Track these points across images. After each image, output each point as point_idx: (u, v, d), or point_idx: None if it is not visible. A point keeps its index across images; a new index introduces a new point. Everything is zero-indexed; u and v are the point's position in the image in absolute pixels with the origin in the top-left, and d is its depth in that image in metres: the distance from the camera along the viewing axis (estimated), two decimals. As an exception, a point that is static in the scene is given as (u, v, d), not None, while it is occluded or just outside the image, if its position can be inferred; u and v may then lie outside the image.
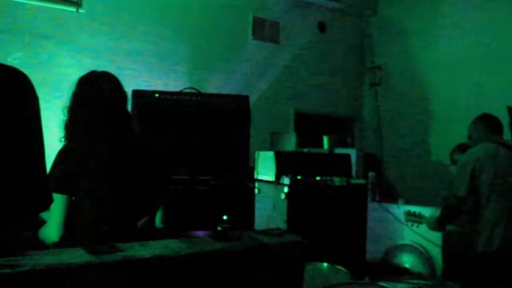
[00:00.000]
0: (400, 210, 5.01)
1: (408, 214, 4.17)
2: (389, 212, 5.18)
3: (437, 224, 3.64)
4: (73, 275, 0.89)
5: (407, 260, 5.10)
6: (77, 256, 0.93)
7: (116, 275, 0.94)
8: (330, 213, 4.60)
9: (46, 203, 1.32)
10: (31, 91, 1.28)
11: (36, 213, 1.40)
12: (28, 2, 4.67)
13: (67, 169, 2.24)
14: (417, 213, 4.12)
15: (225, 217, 4.56)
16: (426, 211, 4.21)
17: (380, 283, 2.66)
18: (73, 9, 4.83)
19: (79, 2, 4.85)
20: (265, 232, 1.24)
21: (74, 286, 0.89)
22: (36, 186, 1.26)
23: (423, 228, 4.12)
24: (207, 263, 1.06)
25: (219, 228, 1.17)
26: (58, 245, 2.03)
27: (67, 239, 2.08)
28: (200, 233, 4.56)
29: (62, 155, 2.33)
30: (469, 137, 3.70)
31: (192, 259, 1.03)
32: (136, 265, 0.95)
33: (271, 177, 4.59)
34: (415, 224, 4.17)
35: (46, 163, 1.33)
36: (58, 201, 2.13)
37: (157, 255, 0.98)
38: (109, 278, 0.93)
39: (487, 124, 3.60)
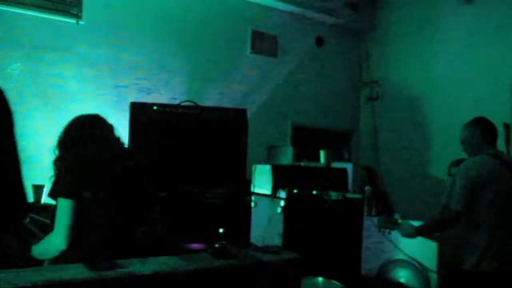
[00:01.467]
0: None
1: (383, 221, 3.97)
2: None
3: (416, 232, 3.52)
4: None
5: (402, 275, 5.09)
6: (79, 272, 0.94)
7: (114, 292, 0.95)
8: (326, 227, 4.60)
9: (23, 211, 1.37)
10: (6, 106, 1.32)
11: (14, 220, 1.43)
12: (28, 13, 4.70)
13: (74, 176, 2.28)
14: (392, 219, 3.95)
15: (221, 230, 4.56)
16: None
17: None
18: (73, 20, 4.85)
19: (79, 14, 4.88)
20: (262, 249, 1.25)
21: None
22: (12, 195, 1.31)
23: (418, 242, 4.06)
24: (205, 280, 1.07)
25: (217, 245, 1.19)
26: (66, 254, 2.03)
27: (74, 249, 2.09)
28: (196, 245, 4.56)
29: (70, 163, 2.38)
30: (463, 142, 3.48)
31: (190, 276, 1.05)
32: (136, 282, 0.97)
33: (267, 191, 4.59)
34: (387, 231, 4.03)
35: (21, 174, 1.36)
36: (65, 206, 2.16)
37: (157, 272, 1.00)
38: (108, 294, 0.94)
39: (486, 131, 3.41)
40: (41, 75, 4.75)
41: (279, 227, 4.48)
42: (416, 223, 4.13)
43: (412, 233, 3.53)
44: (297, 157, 5.91)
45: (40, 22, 4.76)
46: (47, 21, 4.79)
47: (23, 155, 4.22)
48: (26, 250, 2.41)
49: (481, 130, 3.39)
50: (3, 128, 1.29)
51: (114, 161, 2.46)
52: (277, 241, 4.43)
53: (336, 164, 5.32)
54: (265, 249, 1.25)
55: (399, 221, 3.78)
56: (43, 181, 3.78)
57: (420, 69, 6.58)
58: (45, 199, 4.13)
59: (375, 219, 5.26)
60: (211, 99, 5.58)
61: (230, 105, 5.60)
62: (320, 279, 3.30)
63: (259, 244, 4.64)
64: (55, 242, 2.08)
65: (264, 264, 1.16)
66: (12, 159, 1.32)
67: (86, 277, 0.94)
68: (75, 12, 4.80)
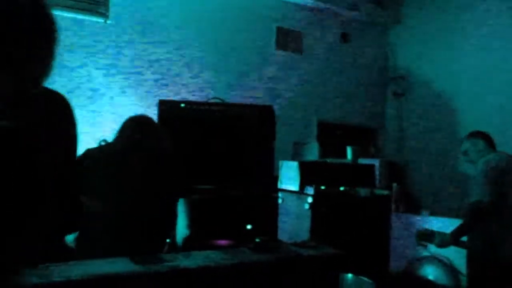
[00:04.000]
0: (424, 221, 4.97)
1: (420, 235, 3.96)
2: (411, 224, 5.14)
3: (451, 237, 3.55)
4: (121, 284, 0.91)
5: (430, 272, 5.05)
6: (125, 266, 0.96)
7: (162, 285, 0.96)
8: (354, 223, 4.58)
9: (78, 219, 1.41)
10: (72, 117, 1.35)
11: (70, 228, 1.46)
12: (56, 13, 4.75)
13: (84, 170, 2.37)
14: (428, 231, 3.94)
15: (249, 227, 4.58)
16: (450, 223, 4.14)
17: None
18: (101, 19, 4.91)
19: (107, 13, 4.93)
20: (300, 244, 1.26)
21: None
22: (69, 202, 1.34)
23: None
24: (247, 274, 1.08)
25: (257, 240, 1.19)
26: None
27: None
28: (223, 242, 4.59)
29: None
30: (466, 152, 3.75)
31: (233, 270, 1.05)
32: (180, 275, 0.98)
33: (295, 187, 4.59)
34: (426, 244, 4.06)
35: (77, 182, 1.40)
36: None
37: (201, 266, 1.01)
38: (155, 287, 0.96)
39: (486, 139, 3.70)
40: (68, 74, 4.82)
41: (306, 223, 4.48)
42: (448, 222, 4.10)
43: (448, 241, 3.56)
44: (323, 153, 5.89)
45: (68, 21, 4.82)
46: (74, 20, 4.86)
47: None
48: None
49: (482, 139, 3.71)
50: (69, 137, 1.33)
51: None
52: (304, 237, 4.43)
53: (362, 161, 5.30)
54: (303, 244, 1.25)
55: (435, 231, 3.78)
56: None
57: (447, 63, 6.49)
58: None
59: (403, 216, 5.24)
60: (237, 95, 5.59)
61: (256, 101, 5.60)
62: (350, 275, 3.28)
63: (286, 240, 4.64)
64: None
65: (304, 259, 1.16)
66: (72, 168, 1.36)
67: (133, 270, 0.95)
68: (103, 11, 4.85)
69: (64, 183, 1.31)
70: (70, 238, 2.24)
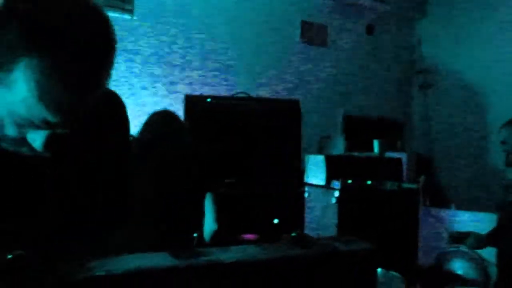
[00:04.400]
0: (451, 215, 4.91)
1: (452, 236, 3.86)
2: (439, 218, 5.08)
3: (490, 239, 3.47)
4: (162, 278, 0.92)
5: (459, 266, 4.98)
6: (164, 260, 0.96)
7: (200, 279, 0.97)
8: (382, 217, 4.55)
9: (125, 218, 1.46)
10: (126, 115, 1.36)
11: (118, 226, 1.49)
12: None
13: None
14: (462, 233, 3.85)
15: (275, 221, 4.58)
16: (478, 217, 4.08)
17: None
18: (127, 16, 4.94)
19: (132, 9, 4.96)
20: (336, 238, 1.25)
21: (162, 289, 0.92)
22: (118, 198, 1.39)
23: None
24: (284, 268, 1.07)
25: (293, 234, 1.19)
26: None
27: None
28: (249, 236, 4.60)
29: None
30: (504, 142, 3.52)
31: (269, 264, 1.05)
32: (218, 270, 0.98)
33: (321, 181, 4.57)
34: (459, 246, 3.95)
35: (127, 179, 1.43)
36: None
37: (239, 260, 1.01)
38: (194, 282, 0.96)
39: None
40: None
41: (333, 217, 4.46)
42: (476, 216, 4.04)
43: (483, 243, 3.48)
44: (348, 147, 5.86)
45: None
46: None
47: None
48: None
49: None
50: (121, 134, 1.34)
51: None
52: (331, 231, 4.41)
53: (389, 154, 5.25)
54: (339, 239, 1.24)
55: (470, 232, 3.69)
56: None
57: (476, 55, 6.38)
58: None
59: (430, 209, 5.18)
60: (262, 90, 5.59)
61: (281, 95, 5.59)
62: (379, 270, 3.26)
63: (313, 235, 4.63)
64: None
65: (341, 253, 1.15)
66: (124, 165, 1.38)
67: (172, 264, 0.96)
68: (129, 8, 4.89)
69: (116, 181, 1.35)
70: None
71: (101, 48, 0.96)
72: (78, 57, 0.90)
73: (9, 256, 0.87)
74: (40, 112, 0.91)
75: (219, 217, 2.75)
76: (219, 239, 2.78)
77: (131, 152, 2.67)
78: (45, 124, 0.95)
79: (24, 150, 1.01)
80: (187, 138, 2.75)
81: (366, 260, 1.24)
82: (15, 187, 1.12)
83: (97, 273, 0.88)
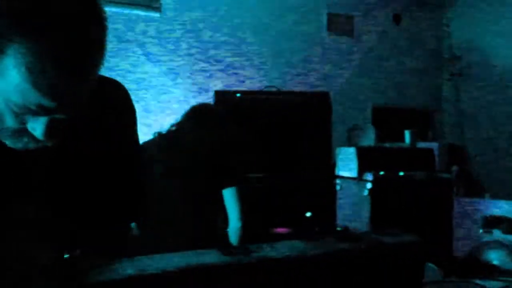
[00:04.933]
0: (486, 204, 4.82)
1: (485, 222, 3.76)
2: (474, 208, 5.00)
3: None
4: (214, 275, 0.93)
5: (495, 257, 4.89)
6: (215, 257, 0.97)
7: (251, 276, 0.97)
8: (415, 208, 4.50)
9: (144, 205, 1.44)
10: (132, 104, 1.35)
11: (138, 213, 1.50)
12: (110, 9, 4.86)
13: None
14: (496, 216, 3.76)
15: (308, 214, 4.57)
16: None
17: (474, 281, 2.58)
18: (154, 13, 4.98)
19: (160, 7, 4.99)
20: (381, 231, 1.24)
21: (214, 286, 0.92)
22: (134, 189, 1.37)
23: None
24: (333, 263, 1.07)
25: (339, 229, 1.18)
26: None
27: None
28: (282, 230, 4.60)
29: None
30: None
31: (319, 260, 1.05)
32: (269, 266, 0.98)
33: (352, 174, 4.54)
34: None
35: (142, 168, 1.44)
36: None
37: (288, 256, 1.00)
38: (244, 278, 0.96)
39: None
40: (124, 68, 4.92)
41: (366, 210, 4.43)
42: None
43: None
44: (379, 138, 5.80)
45: (121, 16, 4.91)
46: (127, 16, 4.95)
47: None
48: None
49: None
50: (129, 125, 1.33)
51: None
52: (364, 224, 4.39)
53: (420, 144, 5.19)
54: (384, 232, 1.23)
55: (505, 216, 3.60)
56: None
57: (506, 41, 6.25)
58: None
59: (464, 199, 5.10)
60: (291, 82, 5.58)
61: (309, 87, 5.57)
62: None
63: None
64: None
65: (388, 247, 1.14)
66: (135, 153, 1.37)
67: (224, 261, 0.96)
68: (156, 6, 4.92)
69: (126, 170, 1.33)
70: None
71: (90, 28, 0.92)
72: (66, 38, 0.87)
73: (66, 256, 0.88)
74: (34, 97, 0.89)
75: (245, 213, 2.73)
76: (250, 233, 2.76)
77: (157, 145, 2.71)
78: (42, 110, 0.93)
79: (26, 140, 1.00)
80: (222, 132, 2.75)
81: (414, 253, 1.23)
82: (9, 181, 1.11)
83: (149, 271, 0.89)
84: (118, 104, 1.30)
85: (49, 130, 0.97)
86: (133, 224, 2.66)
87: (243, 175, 3.27)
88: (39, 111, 0.93)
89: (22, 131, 0.98)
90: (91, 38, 0.92)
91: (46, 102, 0.90)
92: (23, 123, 0.97)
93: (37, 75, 0.86)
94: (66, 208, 1.16)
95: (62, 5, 0.88)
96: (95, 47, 0.93)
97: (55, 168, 1.15)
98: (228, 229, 2.73)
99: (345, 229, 1.31)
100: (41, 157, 1.07)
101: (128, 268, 0.91)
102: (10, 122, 0.96)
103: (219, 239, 2.71)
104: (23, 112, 0.94)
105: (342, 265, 1.08)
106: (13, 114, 0.95)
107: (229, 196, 2.65)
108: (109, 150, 1.23)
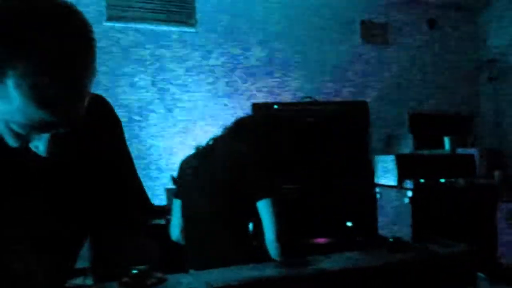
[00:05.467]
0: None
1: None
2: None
3: None
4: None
5: (542, 263, 4.79)
6: (275, 270, 1.00)
7: (310, 287, 0.99)
8: (457, 216, 4.44)
9: (146, 214, 1.51)
10: (114, 115, 1.40)
11: (142, 222, 1.53)
12: (148, 27, 4.98)
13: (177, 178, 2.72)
14: None
15: (349, 224, 4.55)
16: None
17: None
18: (190, 29, 5.07)
19: (195, 23, 5.08)
20: (432, 241, 1.25)
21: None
22: (133, 199, 1.43)
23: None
24: (389, 274, 1.09)
25: (391, 240, 1.20)
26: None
27: None
28: (321, 240, 4.59)
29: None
30: None
31: (375, 271, 1.07)
32: (327, 278, 1.00)
33: (392, 182, 4.51)
34: None
35: (138, 178, 1.47)
36: (176, 205, 2.66)
37: (345, 268, 1.03)
38: (304, 290, 0.99)
39: None
40: (159, 83, 5.03)
41: (407, 218, 4.39)
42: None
43: None
44: (417, 145, 5.75)
45: (157, 32, 5.02)
46: (163, 32, 5.06)
47: (152, 162, 4.48)
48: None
49: None
50: (115, 135, 1.38)
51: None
52: (406, 232, 4.35)
53: (460, 150, 5.12)
54: (435, 241, 1.24)
55: None
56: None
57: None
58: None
59: (508, 205, 5.00)
60: (327, 92, 5.59)
61: (345, 96, 5.57)
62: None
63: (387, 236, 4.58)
64: (172, 232, 2.70)
65: (442, 257, 1.16)
66: (127, 163, 1.42)
67: (284, 274, 0.99)
68: (192, 22, 5.02)
69: (124, 187, 1.39)
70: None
71: (81, 44, 0.99)
72: (61, 56, 0.94)
73: (134, 271, 0.93)
74: (36, 113, 0.95)
75: (280, 224, 2.64)
76: (289, 244, 2.72)
77: (196, 159, 2.75)
78: (44, 126, 1.00)
79: (29, 159, 1.08)
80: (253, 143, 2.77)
81: (466, 262, 1.24)
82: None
83: (215, 285, 0.93)
84: (104, 117, 1.35)
85: (51, 147, 1.05)
86: (177, 238, 2.72)
87: (279, 186, 3.28)
88: (42, 127, 1.00)
89: (24, 150, 1.06)
90: (84, 53, 0.99)
91: (48, 117, 0.97)
92: (27, 141, 1.05)
93: (38, 92, 0.93)
94: (61, 208, 1.23)
95: (56, 28, 0.95)
96: (88, 61, 1.00)
97: (51, 169, 1.20)
98: (264, 242, 2.69)
99: (397, 239, 1.31)
100: (38, 158, 1.12)
101: (195, 282, 0.95)
102: (10, 142, 1.04)
103: (255, 252, 2.70)
104: (26, 131, 1.01)
105: (397, 276, 1.10)
106: (14, 135, 1.02)
107: (264, 208, 2.61)
108: (98, 158, 1.28)
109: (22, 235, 1.18)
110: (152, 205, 1.58)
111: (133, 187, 1.43)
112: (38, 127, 1.00)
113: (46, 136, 1.04)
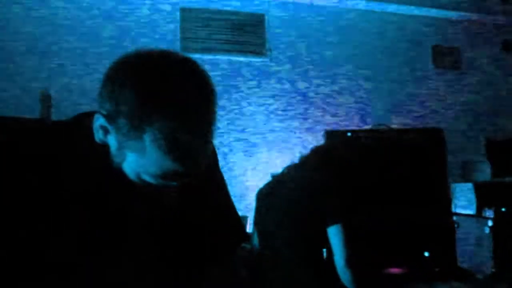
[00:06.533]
0: None
1: None
2: None
3: None
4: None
5: None
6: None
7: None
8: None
9: (241, 239, 1.55)
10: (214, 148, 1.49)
11: (233, 249, 1.57)
12: (221, 57, 5.09)
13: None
14: None
15: (426, 254, 4.42)
16: None
17: None
18: (264, 59, 5.17)
19: (267, 52, 5.17)
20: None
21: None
22: (231, 224, 1.49)
23: None
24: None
25: (491, 272, 1.16)
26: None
27: None
28: (396, 270, 4.47)
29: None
30: None
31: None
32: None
33: (471, 210, 4.36)
34: None
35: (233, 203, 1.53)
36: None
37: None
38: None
39: None
40: (235, 114, 5.11)
41: (488, 248, 4.22)
42: None
43: None
44: (494, 172, 5.54)
45: (223, 63, 5.14)
46: (241, 63, 5.17)
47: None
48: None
49: None
50: (212, 164, 1.42)
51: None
52: (487, 264, 4.17)
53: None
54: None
55: None
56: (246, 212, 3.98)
57: None
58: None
59: None
60: (398, 120, 5.50)
61: (419, 123, 5.47)
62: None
63: (466, 267, 4.41)
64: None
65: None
66: (224, 189, 1.49)
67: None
68: (264, 51, 5.10)
69: (225, 217, 1.46)
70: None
71: (208, 98, 1.09)
72: (192, 111, 1.04)
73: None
74: (171, 166, 1.04)
75: (351, 251, 2.63)
76: (359, 273, 2.68)
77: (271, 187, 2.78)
78: (176, 176, 1.09)
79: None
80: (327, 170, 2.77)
81: None
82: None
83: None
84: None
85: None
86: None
87: (351, 212, 3.26)
88: (173, 177, 1.09)
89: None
90: (211, 106, 1.09)
91: (181, 168, 1.06)
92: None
93: (174, 145, 1.02)
94: (173, 252, 1.30)
95: (186, 84, 1.05)
96: (214, 113, 1.10)
97: (170, 215, 1.29)
98: (337, 269, 2.67)
99: (496, 273, 1.27)
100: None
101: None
102: (148, 179, 1.12)
103: (328, 280, 2.68)
104: (157, 182, 1.10)
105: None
106: (150, 177, 1.11)
107: (334, 233, 2.60)
108: (205, 196, 1.36)
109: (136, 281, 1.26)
110: (244, 227, 1.63)
111: (231, 214, 1.50)
112: (169, 178, 1.09)
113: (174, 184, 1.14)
